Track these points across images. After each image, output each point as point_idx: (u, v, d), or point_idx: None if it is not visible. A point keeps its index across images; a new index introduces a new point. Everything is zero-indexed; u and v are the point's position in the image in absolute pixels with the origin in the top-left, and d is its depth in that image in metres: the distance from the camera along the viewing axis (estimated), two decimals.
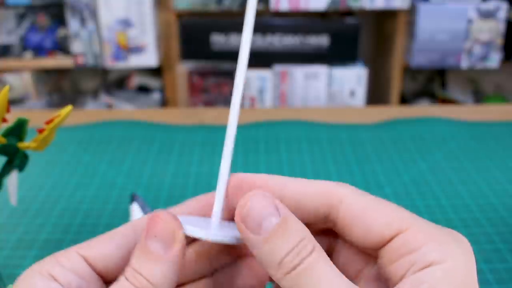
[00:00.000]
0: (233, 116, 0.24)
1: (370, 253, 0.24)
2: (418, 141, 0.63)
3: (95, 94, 1.88)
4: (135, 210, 0.45)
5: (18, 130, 0.37)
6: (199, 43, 1.51)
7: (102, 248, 0.23)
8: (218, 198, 0.24)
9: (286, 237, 0.21)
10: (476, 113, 0.72)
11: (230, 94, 1.59)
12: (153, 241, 0.22)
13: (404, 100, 1.86)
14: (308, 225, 0.24)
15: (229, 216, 0.26)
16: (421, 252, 0.21)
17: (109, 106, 1.75)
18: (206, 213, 0.26)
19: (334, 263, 0.24)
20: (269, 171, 0.57)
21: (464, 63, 1.55)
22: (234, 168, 0.58)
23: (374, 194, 0.52)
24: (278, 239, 0.21)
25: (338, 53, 1.51)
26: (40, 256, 0.44)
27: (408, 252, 0.21)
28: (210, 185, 0.55)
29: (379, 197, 0.52)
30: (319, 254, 0.21)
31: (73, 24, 1.55)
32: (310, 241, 0.21)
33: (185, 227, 0.23)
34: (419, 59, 1.55)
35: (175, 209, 0.26)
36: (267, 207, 0.22)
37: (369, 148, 0.62)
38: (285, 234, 0.21)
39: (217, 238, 0.23)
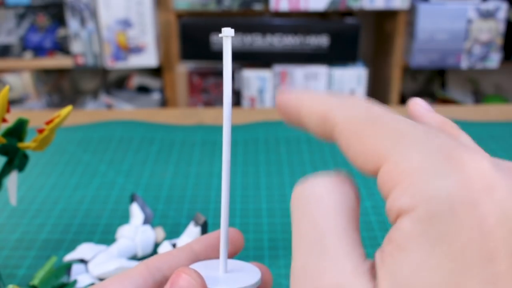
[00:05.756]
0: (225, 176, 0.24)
1: None
2: None
3: (95, 94, 1.88)
4: (135, 210, 0.45)
5: (18, 130, 0.37)
6: (199, 43, 1.50)
7: None
8: (222, 252, 0.25)
9: None
10: (476, 113, 0.72)
11: None
12: None
13: (404, 100, 1.86)
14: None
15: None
16: (391, 198, 0.16)
17: (109, 106, 1.75)
18: (209, 253, 0.26)
19: None
20: (269, 171, 0.57)
21: (464, 63, 1.55)
22: (234, 167, 0.58)
23: (374, 194, 0.52)
24: None
25: (338, 53, 1.51)
26: (40, 256, 0.44)
27: (385, 196, 0.17)
28: (209, 185, 0.55)
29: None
30: None
31: (73, 24, 1.54)
32: None
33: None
34: (419, 59, 1.55)
35: (179, 252, 0.26)
36: None
37: None
38: None
39: None
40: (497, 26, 1.51)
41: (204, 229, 0.40)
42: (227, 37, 0.23)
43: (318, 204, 0.18)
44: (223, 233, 0.25)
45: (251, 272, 0.25)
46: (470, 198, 0.15)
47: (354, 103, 0.20)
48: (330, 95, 0.21)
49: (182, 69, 1.57)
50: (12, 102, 1.71)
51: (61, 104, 1.84)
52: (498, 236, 0.14)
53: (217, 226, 0.48)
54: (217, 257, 0.26)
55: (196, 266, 0.25)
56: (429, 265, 0.14)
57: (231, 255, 0.26)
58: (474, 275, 0.14)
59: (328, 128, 0.20)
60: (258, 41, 1.50)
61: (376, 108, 0.19)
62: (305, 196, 0.18)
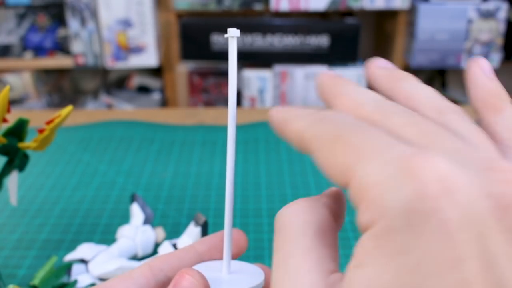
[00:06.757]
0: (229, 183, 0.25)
1: None
2: None
3: (95, 94, 1.88)
4: (135, 210, 0.45)
5: (19, 130, 0.37)
6: (199, 43, 1.50)
7: None
8: (226, 253, 0.25)
9: None
10: (476, 113, 0.72)
11: None
12: None
13: None
14: None
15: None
16: (357, 216, 0.16)
17: (109, 106, 1.75)
18: (213, 254, 0.27)
19: None
20: (269, 171, 0.57)
21: (464, 63, 1.55)
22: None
23: None
24: None
25: (338, 53, 1.51)
26: (40, 256, 0.44)
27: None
28: (209, 185, 0.55)
29: None
30: None
31: (73, 24, 1.54)
32: None
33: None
34: (419, 59, 1.55)
35: (182, 253, 0.26)
36: None
37: None
38: None
39: None
40: (497, 26, 1.51)
41: (205, 229, 0.40)
42: (232, 38, 0.23)
43: (286, 227, 0.20)
44: (227, 234, 0.25)
45: (254, 273, 0.25)
46: (427, 206, 0.14)
47: (325, 119, 0.19)
48: (308, 112, 0.21)
49: (182, 69, 1.57)
50: (13, 102, 1.71)
51: (61, 104, 1.84)
52: (463, 239, 0.14)
53: (217, 226, 0.48)
54: (221, 258, 0.26)
55: (199, 267, 0.25)
56: (383, 280, 0.14)
57: (235, 256, 0.26)
58: (436, 284, 0.13)
59: (305, 146, 0.20)
60: (258, 41, 1.50)
61: (345, 121, 0.19)
62: (278, 220, 0.20)
